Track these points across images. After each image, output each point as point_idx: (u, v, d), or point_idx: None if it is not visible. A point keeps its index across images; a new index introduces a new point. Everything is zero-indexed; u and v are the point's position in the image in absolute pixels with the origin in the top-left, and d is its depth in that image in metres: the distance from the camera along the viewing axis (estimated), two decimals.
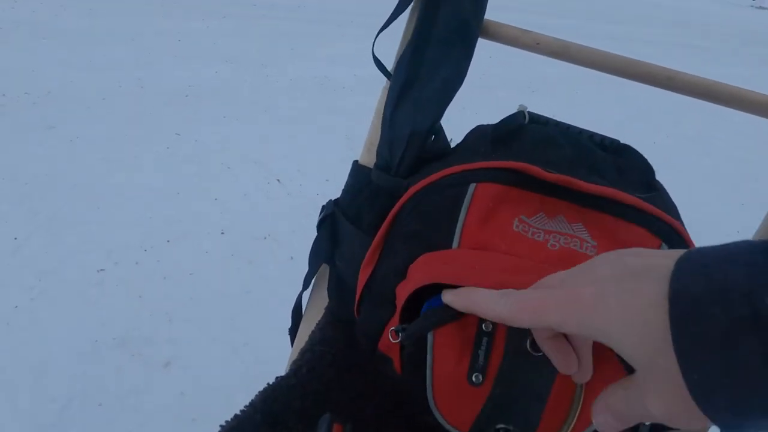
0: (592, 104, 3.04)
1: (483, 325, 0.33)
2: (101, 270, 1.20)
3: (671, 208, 0.38)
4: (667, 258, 0.21)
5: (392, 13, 0.43)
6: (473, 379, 0.33)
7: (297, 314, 0.59)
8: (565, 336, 0.28)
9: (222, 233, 1.40)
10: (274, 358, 0.50)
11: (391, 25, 0.44)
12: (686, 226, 0.36)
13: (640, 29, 6.22)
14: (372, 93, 0.53)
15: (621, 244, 0.35)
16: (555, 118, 0.44)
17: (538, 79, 3.28)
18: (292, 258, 1.35)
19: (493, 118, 0.45)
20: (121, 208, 1.42)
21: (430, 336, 0.33)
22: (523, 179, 0.36)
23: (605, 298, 0.22)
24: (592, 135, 0.43)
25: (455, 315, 0.33)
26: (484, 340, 0.33)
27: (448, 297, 0.27)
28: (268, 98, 2.38)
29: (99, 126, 1.86)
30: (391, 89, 0.44)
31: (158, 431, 0.89)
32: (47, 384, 0.91)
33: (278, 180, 1.70)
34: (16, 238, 1.24)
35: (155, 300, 1.15)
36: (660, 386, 0.20)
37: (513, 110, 0.45)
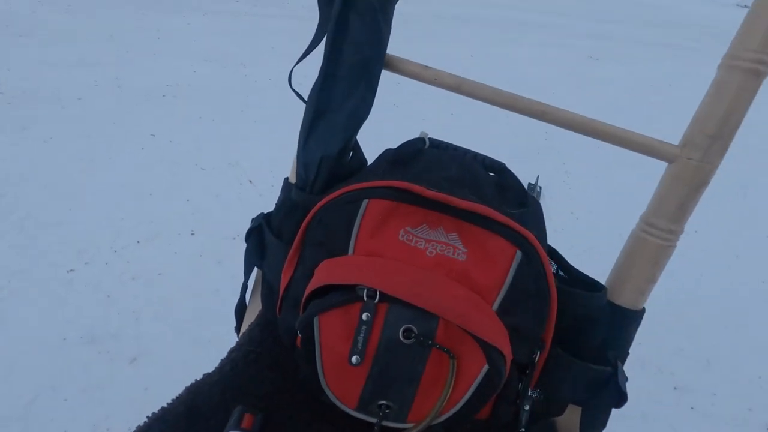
0: (571, 103, 3.07)
1: (363, 316, 0.39)
2: (71, 270, 1.24)
3: (535, 222, 0.45)
4: None
5: (306, 50, 0.48)
6: (353, 360, 0.39)
7: (240, 316, 0.65)
8: None
9: (192, 234, 1.44)
10: None
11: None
12: None
13: (631, 29, 6.29)
14: None
15: (487, 251, 0.42)
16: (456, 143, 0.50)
17: (518, 80, 3.34)
18: None
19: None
20: (93, 209, 1.46)
21: (316, 320, 0.40)
22: (409, 196, 0.43)
23: None
24: (484, 159, 0.49)
25: (336, 303, 0.39)
26: (363, 328, 0.39)
27: None
28: (246, 98, 2.41)
29: (74, 126, 1.88)
30: (305, 116, 0.49)
31: (122, 424, 0.94)
32: (14, 380, 0.96)
33: (250, 181, 1.74)
34: None
35: (123, 299, 1.19)
36: None
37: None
